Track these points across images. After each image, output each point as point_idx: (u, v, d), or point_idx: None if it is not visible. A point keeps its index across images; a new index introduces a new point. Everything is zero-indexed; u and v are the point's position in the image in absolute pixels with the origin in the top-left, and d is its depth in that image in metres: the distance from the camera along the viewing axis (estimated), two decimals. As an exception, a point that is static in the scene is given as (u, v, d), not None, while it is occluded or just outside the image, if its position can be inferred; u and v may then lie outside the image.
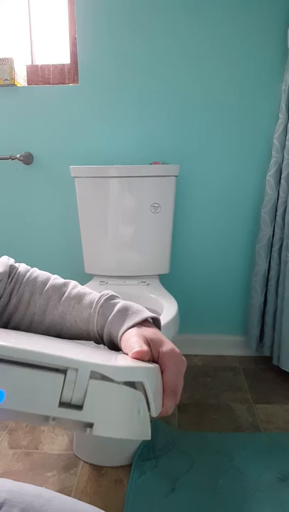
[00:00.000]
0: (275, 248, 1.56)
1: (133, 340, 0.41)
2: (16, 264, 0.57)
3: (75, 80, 1.63)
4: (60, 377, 0.29)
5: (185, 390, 1.51)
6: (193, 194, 1.66)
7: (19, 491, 0.46)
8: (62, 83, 1.65)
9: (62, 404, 0.29)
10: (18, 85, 1.61)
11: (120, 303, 0.48)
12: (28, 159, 1.62)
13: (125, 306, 0.47)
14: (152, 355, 0.41)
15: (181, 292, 1.67)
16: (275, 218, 1.55)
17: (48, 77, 1.65)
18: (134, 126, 1.60)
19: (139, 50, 1.54)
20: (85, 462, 1.15)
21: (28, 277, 0.54)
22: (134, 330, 0.44)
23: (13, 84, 1.58)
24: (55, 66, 1.65)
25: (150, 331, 0.44)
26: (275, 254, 1.56)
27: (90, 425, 0.30)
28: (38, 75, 1.66)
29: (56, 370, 0.29)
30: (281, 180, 1.50)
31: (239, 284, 1.75)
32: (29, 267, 0.57)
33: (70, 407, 0.29)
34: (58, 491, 0.40)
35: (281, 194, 1.51)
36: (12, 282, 0.53)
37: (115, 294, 0.50)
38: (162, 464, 1.12)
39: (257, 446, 1.20)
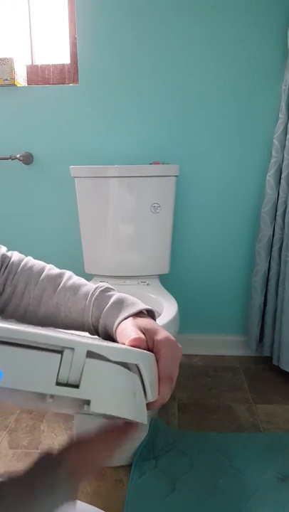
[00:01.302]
0: (275, 248, 1.56)
1: (129, 329, 0.42)
2: (9, 253, 0.56)
3: (75, 80, 1.63)
4: (57, 356, 0.30)
5: (185, 390, 1.52)
6: (193, 194, 1.66)
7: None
8: (62, 83, 1.65)
9: (60, 382, 0.30)
10: (18, 85, 1.61)
11: (115, 295, 0.49)
12: (28, 159, 1.62)
13: (120, 298, 0.48)
14: (147, 343, 0.41)
15: (181, 292, 1.67)
16: (275, 218, 1.55)
17: (48, 77, 1.65)
18: (134, 126, 1.60)
19: (139, 50, 1.54)
20: (85, 462, 1.15)
21: (23, 267, 0.54)
22: (129, 320, 0.44)
23: (13, 84, 1.58)
24: (55, 66, 1.65)
25: (145, 321, 0.44)
26: (275, 254, 1.56)
27: (88, 402, 0.30)
28: (38, 75, 1.66)
29: (53, 350, 0.30)
30: (281, 180, 1.50)
31: (239, 284, 1.75)
32: (23, 256, 0.57)
33: (67, 385, 0.30)
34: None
35: (281, 194, 1.51)
36: (5, 273, 0.53)
37: (110, 286, 0.51)
38: (162, 464, 1.12)
39: (257, 446, 1.20)
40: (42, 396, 0.30)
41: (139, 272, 1.53)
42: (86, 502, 0.62)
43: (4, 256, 0.55)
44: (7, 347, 0.29)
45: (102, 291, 0.50)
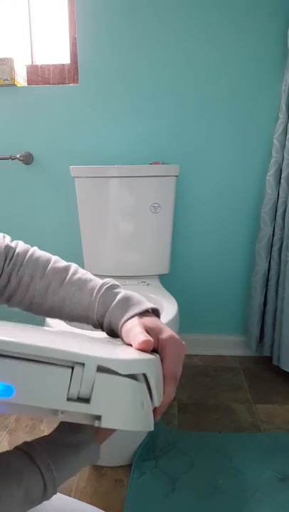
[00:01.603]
0: (275, 248, 1.56)
1: (137, 330, 0.42)
2: (13, 244, 0.56)
3: (75, 80, 1.63)
4: (68, 371, 0.30)
5: (185, 390, 1.51)
6: (193, 194, 1.66)
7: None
8: (63, 83, 1.65)
9: (71, 397, 0.30)
10: (18, 85, 1.61)
11: (121, 293, 0.49)
12: (28, 159, 1.62)
13: (126, 297, 0.48)
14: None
15: (181, 292, 1.67)
16: (275, 218, 1.55)
17: (48, 77, 1.65)
18: (134, 126, 1.60)
19: (139, 50, 1.54)
20: (85, 462, 1.15)
21: (29, 259, 0.54)
22: (135, 319, 0.45)
23: (13, 84, 1.58)
24: (55, 66, 1.65)
25: (150, 320, 0.45)
26: (275, 254, 1.56)
27: (98, 418, 0.31)
28: (38, 75, 1.66)
29: (63, 364, 0.30)
30: (281, 180, 1.50)
31: (239, 284, 1.75)
32: (28, 246, 0.56)
33: (78, 400, 0.30)
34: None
35: (281, 194, 1.51)
36: (10, 264, 0.53)
37: (116, 282, 0.51)
38: (162, 464, 1.12)
39: (257, 446, 1.20)
40: (53, 411, 0.30)
41: (139, 271, 1.53)
42: (86, 502, 0.62)
43: (9, 247, 0.55)
44: (18, 362, 0.29)
45: (108, 288, 0.50)
